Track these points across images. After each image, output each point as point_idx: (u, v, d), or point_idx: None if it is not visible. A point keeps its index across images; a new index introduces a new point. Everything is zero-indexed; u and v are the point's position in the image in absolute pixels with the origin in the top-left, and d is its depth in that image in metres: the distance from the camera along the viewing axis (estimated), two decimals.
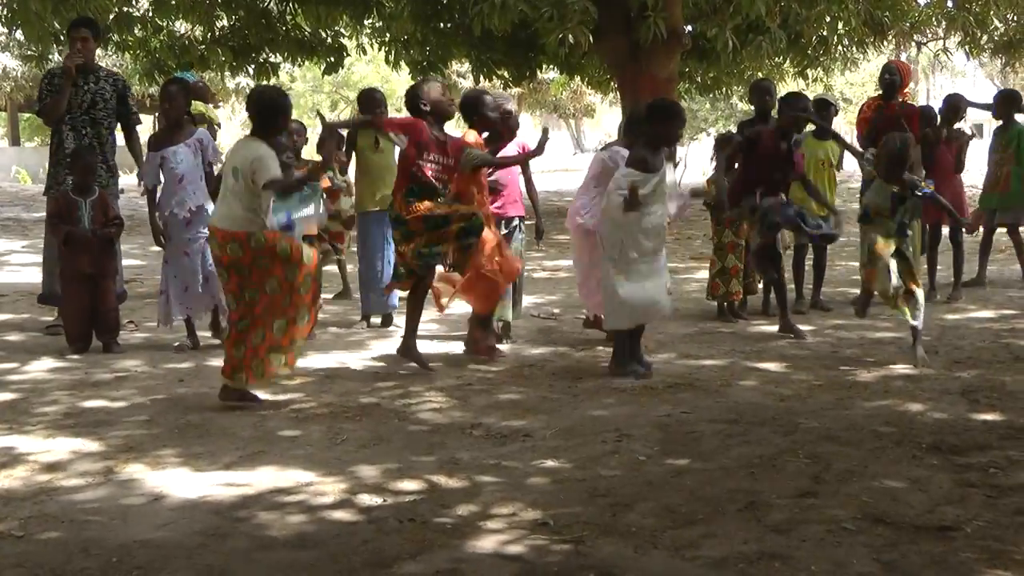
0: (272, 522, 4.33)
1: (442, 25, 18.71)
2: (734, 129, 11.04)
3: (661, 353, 7.77)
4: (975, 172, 13.13)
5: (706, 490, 4.64)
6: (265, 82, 20.75)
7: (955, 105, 10.23)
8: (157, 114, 11.07)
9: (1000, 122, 10.80)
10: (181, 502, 4.60)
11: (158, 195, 8.16)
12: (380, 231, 8.82)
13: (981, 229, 10.64)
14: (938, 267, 10.25)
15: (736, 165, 8.74)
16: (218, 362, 7.54)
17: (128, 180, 10.24)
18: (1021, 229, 10.62)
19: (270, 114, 6.40)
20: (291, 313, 6.18)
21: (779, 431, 5.58)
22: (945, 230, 10.17)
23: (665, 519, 4.28)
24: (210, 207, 7.75)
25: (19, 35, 19.23)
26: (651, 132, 7.09)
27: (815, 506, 4.40)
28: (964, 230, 10.00)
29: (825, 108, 9.71)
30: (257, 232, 6.20)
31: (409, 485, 4.77)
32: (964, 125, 10.38)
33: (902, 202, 7.22)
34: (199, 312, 8.21)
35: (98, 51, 10.95)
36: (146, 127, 11.01)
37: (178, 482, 4.86)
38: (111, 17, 17.18)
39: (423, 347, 7.55)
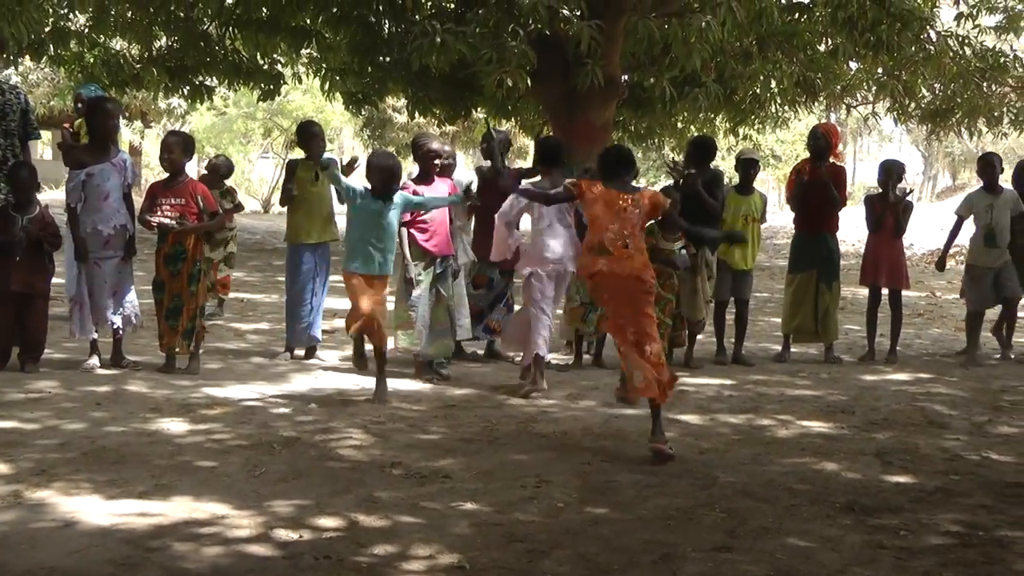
0: (186, 554, 4.27)
1: (380, 59, 18.74)
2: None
3: (583, 401, 7.82)
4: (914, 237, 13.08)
5: (622, 540, 4.66)
6: (199, 104, 20.66)
7: (890, 170, 10.30)
8: (61, 130, 10.74)
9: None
10: (93, 529, 4.52)
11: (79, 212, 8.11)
12: (312, 263, 8.79)
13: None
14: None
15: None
16: (135, 387, 7.48)
17: (53, 196, 10.10)
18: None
19: None
20: None
21: (697, 484, 5.62)
22: (885, 292, 10.29)
23: (581, 567, 4.29)
24: (131, 227, 8.15)
25: None
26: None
27: (729, 561, 4.44)
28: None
29: (752, 166, 9.93)
30: None
31: (327, 522, 4.74)
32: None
33: None
34: (103, 325, 8.21)
35: (30, 63, 10.74)
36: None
37: (90, 509, 4.78)
38: (46, 30, 17.03)
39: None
